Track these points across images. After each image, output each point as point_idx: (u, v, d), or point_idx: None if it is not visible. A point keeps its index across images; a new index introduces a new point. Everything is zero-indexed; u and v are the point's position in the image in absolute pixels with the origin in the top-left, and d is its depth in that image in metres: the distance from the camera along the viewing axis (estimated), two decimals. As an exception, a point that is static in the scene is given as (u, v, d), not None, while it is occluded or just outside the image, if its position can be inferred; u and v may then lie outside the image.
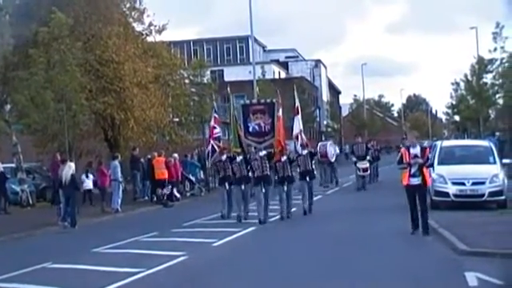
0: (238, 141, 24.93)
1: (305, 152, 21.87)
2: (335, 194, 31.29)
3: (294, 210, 21.54)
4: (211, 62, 64.53)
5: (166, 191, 29.13)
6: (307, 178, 21.51)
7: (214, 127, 26.08)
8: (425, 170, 15.47)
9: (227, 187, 21.13)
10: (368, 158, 30.44)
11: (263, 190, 19.62)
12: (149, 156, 30.74)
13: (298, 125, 23.24)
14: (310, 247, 15.40)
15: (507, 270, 11.07)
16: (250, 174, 20.61)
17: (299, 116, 23.19)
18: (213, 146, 25.43)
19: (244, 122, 29.84)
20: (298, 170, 21.90)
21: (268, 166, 19.92)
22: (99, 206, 26.86)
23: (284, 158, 20.49)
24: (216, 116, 27.40)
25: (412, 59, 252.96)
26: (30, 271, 13.34)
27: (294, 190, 21.73)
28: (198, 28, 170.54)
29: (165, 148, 33.00)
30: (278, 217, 20.62)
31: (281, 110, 25.73)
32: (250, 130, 29.94)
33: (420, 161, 15.17)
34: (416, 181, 15.25)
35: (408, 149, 15.65)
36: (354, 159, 30.53)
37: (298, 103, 25.21)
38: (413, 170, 15.18)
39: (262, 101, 32.11)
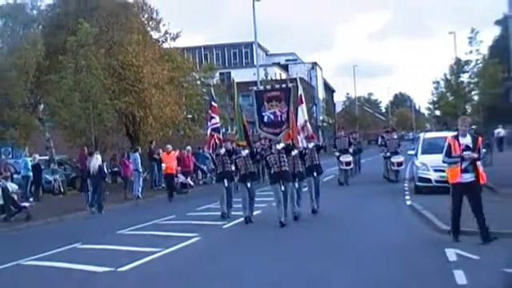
0: (243, 133, 20.88)
1: (311, 145, 17.85)
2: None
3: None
4: (220, 65, 64.41)
5: (178, 180, 29.20)
6: (314, 174, 17.45)
7: (212, 116, 21.58)
8: (478, 164, 11.49)
9: (226, 184, 17.53)
10: (350, 150, 28.09)
11: (282, 189, 15.41)
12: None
13: (302, 115, 19.24)
14: (308, 230, 15.32)
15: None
16: (266, 170, 17.30)
17: (303, 105, 20.26)
18: (213, 139, 20.66)
19: (258, 110, 27.42)
20: (305, 164, 17.38)
21: (286, 160, 15.72)
22: (122, 193, 26.97)
23: (295, 153, 16.57)
24: (214, 105, 22.84)
25: (397, 61, 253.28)
26: (62, 251, 13.47)
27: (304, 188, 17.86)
28: (208, 35, 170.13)
29: (179, 141, 33.06)
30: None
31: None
32: (265, 119, 27.06)
33: (474, 155, 11.22)
34: (469, 177, 11.28)
35: (457, 138, 11.44)
36: (337, 153, 27.66)
37: (301, 91, 21.51)
38: (464, 165, 11.19)
39: (277, 86, 29.60)
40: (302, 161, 16.91)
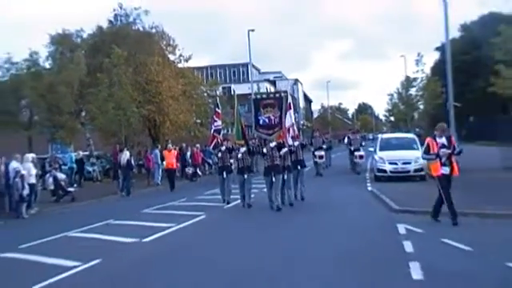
0: (241, 134, 20.46)
1: (296, 143, 17.35)
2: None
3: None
4: (222, 81, 64.19)
5: (188, 170, 29.17)
6: (299, 167, 16.84)
7: (215, 120, 21.12)
8: (453, 158, 11.03)
9: (225, 176, 17.07)
10: (324, 146, 27.60)
11: (273, 180, 14.91)
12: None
13: (290, 119, 18.79)
14: (291, 210, 15.26)
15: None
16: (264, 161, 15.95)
17: (291, 111, 18.96)
18: (216, 139, 20.07)
19: (255, 114, 27.46)
20: (291, 159, 16.47)
21: (278, 156, 15.23)
22: (146, 181, 26.93)
23: (285, 150, 15.80)
24: (218, 111, 22.33)
25: (361, 78, 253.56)
26: (99, 225, 13.52)
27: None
28: (213, 57, 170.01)
29: (190, 141, 33.01)
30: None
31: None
32: (261, 122, 27.41)
33: (448, 151, 10.84)
34: (447, 170, 10.89)
35: (434, 138, 11.07)
36: (313, 149, 26.76)
37: (290, 100, 21.25)
38: (443, 160, 10.82)
39: (272, 95, 29.61)
40: (290, 157, 16.10)
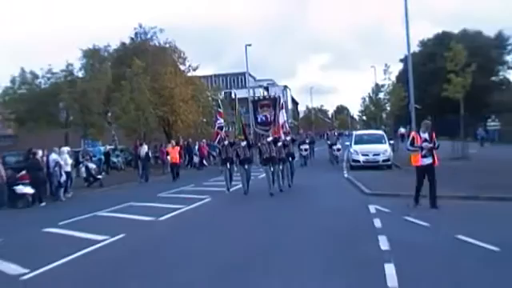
0: (241, 130, 20.13)
1: (288, 138, 17.01)
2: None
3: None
4: (224, 87, 64.14)
5: (196, 161, 29.09)
6: (290, 159, 16.47)
7: (218, 118, 20.67)
8: (434, 151, 10.57)
9: (228, 166, 16.42)
10: (307, 141, 27.43)
11: (271, 169, 14.64)
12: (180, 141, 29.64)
13: (282, 117, 18.56)
14: (283, 195, 15.07)
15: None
16: (259, 155, 15.88)
17: (284, 110, 19.28)
18: (220, 135, 19.62)
19: (254, 114, 27.28)
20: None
21: (274, 149, 14.87)
22: (161, 170, 26.61)
23: (280, 144, 15.48)
24: (220, 110, 21.93)
25: (338, 85, 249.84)
26: (122, 207, 13.50)
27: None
28: (216, 67, 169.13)
29: (198, 137, 32.94)
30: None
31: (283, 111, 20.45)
32: (259, 120, 27.43)
33: (430, 145, 10.46)
34: (428, 161, 10.44)
35: (419, 133, 10.72)
36: (298, 143, 26.16)
37: (282, 101, 20.65)
38: (424, 152, 10.42)
39: (267, 96, 29.55)
40: (284, 150, 15.66)
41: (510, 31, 53.82)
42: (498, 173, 15.63)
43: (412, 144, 10.66)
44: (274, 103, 26.44)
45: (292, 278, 6.00)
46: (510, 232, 7.97)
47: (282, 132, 17.14)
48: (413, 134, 10.93)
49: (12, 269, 7.18)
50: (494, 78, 51.07)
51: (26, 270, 6.97)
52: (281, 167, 15.36)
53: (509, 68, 52.39)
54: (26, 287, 6.38)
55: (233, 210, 12.46)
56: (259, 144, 15.25)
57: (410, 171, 13.02)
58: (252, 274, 6.23)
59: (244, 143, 16.32)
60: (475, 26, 54.41)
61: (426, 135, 10.61)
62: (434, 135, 10.62)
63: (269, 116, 26.41)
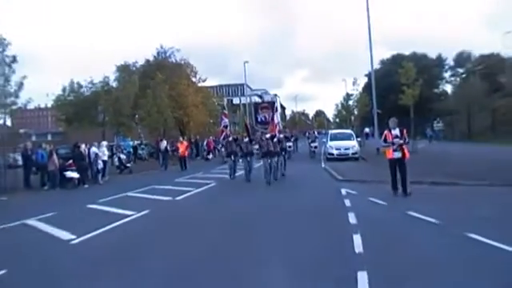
0: (244, 128, 19.31)
1: (281, 136, 16.43)
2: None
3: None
4: (226, 95, 63.86)
5: (205, 154, 29.02)
6: (283, 153, 15.69)
7: (223, 118, 19.90)
8: (404, 146, 9.76)
9: (233, 158, 15.76)
10: (292, 139, 26.90)
11: (269, 161, 13.71)
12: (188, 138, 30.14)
13: (276, 118, 17.94)
14: (278, 182, 14.77)
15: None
16: (259, 149, 15.05)
17: (278, 112, 18.39)
18: (225, 132, 19.13)
19: (255, 114, 27.18)
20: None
21: (272, 144, 14.13)
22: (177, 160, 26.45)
23: (275, 140, 14.79)
24: (225, 112, 21.20)
25: (317, 93, 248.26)
26: (147, 189, 13.39)
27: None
28: (220, 79, 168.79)
29: (206, 134, 32.86)
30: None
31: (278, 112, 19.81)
32: (259, 120, 27.44)
33: (401, 141, 9.69)
34: (398, 155, 9.67)
35: (390, 130, 9.84)
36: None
37: (277, 104, 20.28)
38: (394, 147, 9.67)
39: (266, 100, 29.56)
40: (278, 145, 14.85)
41: (447, 54, 55.29)
42: (439, 163, 15.73)
43: (385, 140, 9.96)
44: (272, 106, 26.38)
45: (277, 241, 6.09)
46: (446, 209, 8.07)
47: (277, 130, 16.84)
48: (385, 132, 10.12)
49: (64, 235, 7.28)
50: (436, 90, 51.85)
51: (74, 236, 7.06)
52: (276, 160, 14.83)
53: (446, 82, 53.59)
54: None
55: (233, 192, 12.44)
56: (258, 139, 14.80)
57: (375, 162, 13.03)
58: (246, 232, 6.33)
59: (246, 139, 15.93)
60: (421, 50, 55.23)
61: (397, 131, 9.82)
62: (404, 132, 9.89)
63: (267, 116, 26.27)
